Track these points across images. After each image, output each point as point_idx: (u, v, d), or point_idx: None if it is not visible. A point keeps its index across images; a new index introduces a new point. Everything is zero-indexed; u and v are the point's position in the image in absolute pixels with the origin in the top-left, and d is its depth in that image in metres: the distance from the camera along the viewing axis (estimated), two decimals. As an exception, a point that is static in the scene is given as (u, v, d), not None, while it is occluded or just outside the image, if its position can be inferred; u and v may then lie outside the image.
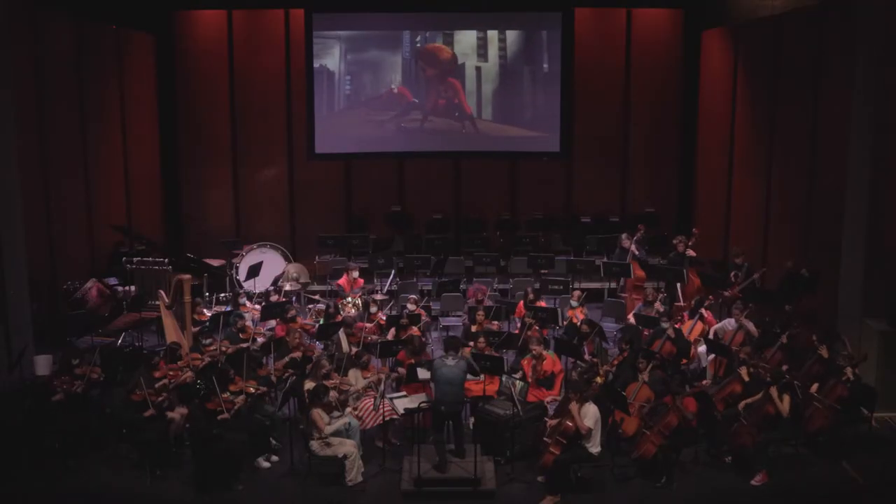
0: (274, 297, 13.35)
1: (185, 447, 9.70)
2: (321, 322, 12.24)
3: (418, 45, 17.33)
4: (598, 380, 9.91)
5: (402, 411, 9.67)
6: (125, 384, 9.94)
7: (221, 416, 9.21)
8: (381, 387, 9.86)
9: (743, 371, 9.84)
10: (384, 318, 12.36)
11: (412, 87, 17.35)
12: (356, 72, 17.37)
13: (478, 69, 17.33)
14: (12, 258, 11.45)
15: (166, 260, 13.93)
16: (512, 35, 17.29)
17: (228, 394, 9.51)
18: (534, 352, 10.38)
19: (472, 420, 10.07)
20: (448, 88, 17.35)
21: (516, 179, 17.87)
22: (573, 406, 8.81)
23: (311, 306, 13.97)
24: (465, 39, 17.29)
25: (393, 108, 17.33)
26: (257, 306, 13.27)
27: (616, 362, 10.73)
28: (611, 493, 9.08)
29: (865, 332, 11.01)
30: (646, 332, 11.54)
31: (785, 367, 9.77)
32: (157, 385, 9.64)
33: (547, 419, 9.32)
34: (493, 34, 17.25)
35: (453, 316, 13.54)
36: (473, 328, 11.47)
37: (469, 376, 9.67)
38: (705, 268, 13.86)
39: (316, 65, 17.14)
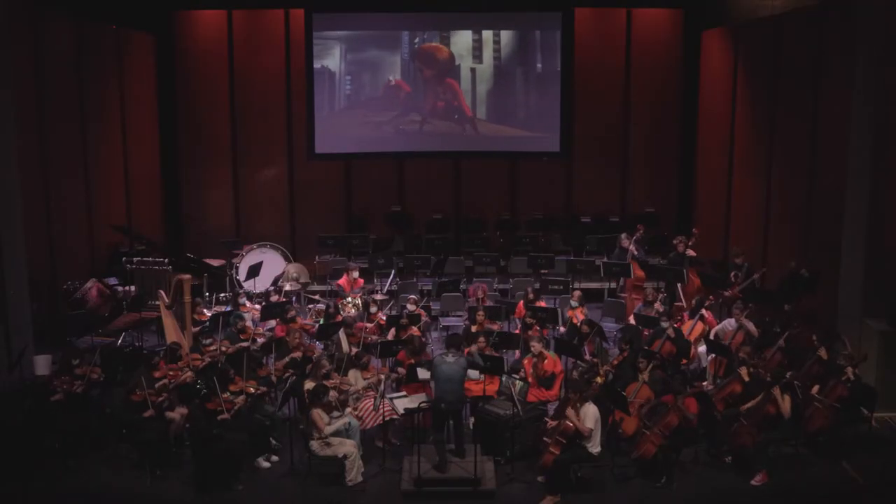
0: (274, 297, 13.34)
1: (185, 447, 9.69)
2: (321, 322, 12.24)
3: (416, 45, 17.33)
4: (598, 380, 9.91)
5: (402, 411, 9.67)
6: (125, 384, 9.95)
7: (221, 416, 9.20)
8: (381, 387, 9.86)
9: (743, 371, 9.83)
10: (384, 318, 12.36)
11: (413, 88, 17.32)
12: (356, 72, 17.37)
13: (473, 70, 17.30)
14: (12, 258, 11.45)
15: (166, 260, 13.93)
16: (511, 35, 17.30)
17: (228, 394, 9.51)
18: (534, 350, 10.38)
19: (472, 420, 10.07)
20: (447, 90, 17.35)
21: (516, 179, 17.87)
22: (573, 407, 8.81)
23: (311, 306, 13.97)
24: (462, 41, 17.28)
25: (392, 108, 17.30)
26: (257, 306, 13.27)
27: (616, 362, 10.73)
28: (611, 493, 9.08)
29: (865, 332, 11.01)
30: (646, 332, 11.54)
31: (790, 374, 9.73)
32: (157, 385, 9.64)
33: (547, 419, 9.32)
34: (490, 34, 17.24)
35: (453, 316, 13.54)
36: (474, 328, 11.47)
37: (469, 374, 9.68)
38: (705, 268, 13.86)
39: (317, 65, 17.14)
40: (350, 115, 17.41)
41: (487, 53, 17.30)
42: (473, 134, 17.46)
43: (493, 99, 17.44)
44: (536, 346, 10.37)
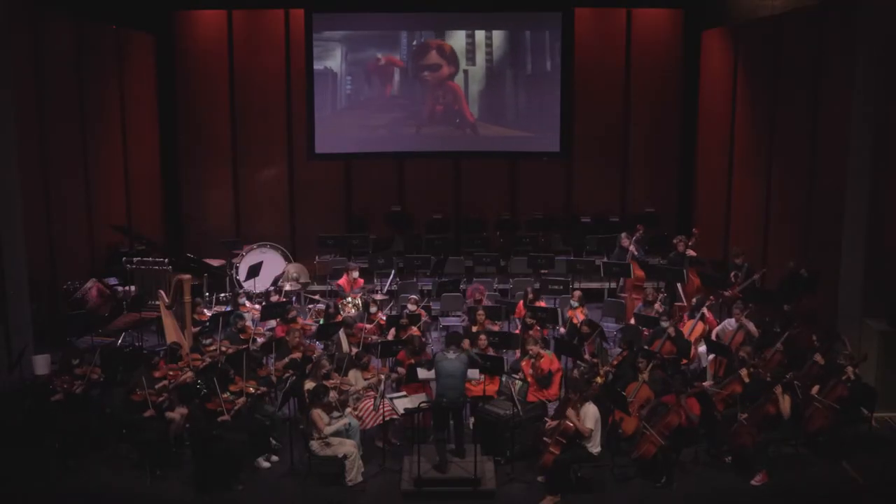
0: (274, 297, 13.35)
1: (185, 447, 9.70)
2: (321, 322, 12.24)
3: (414, 45, 17.31)
4: (598, 380, 9.91)
5: (402, 411, 9.66)
6: (125, 384, 9.95)
7: (221, 416, 9.20)
8: (381, 387, 9.87)
9: (743, 372, 9.84)
10: (384, 318, 12.36)
11: (411, 89, 17.33)
12: (356, 72, 17.36)
13: (467, 72, 17.27)
14: (12, 258, 11.46)
15: (166, 260, 13.93)
16: (510, 35, 17.28)
17: (228, 394, 9.51)
18: (531, 352, 10.38)
19: (472, 420, 10.07)
20: (447, 93, 17.33)
21: (516, 179, 17.87)
22: (573, 407, 8.81)
23: (311, 306, 13.97)
24: (458, 42, 17.25)
25: (392, 108, 17.27)
26: (257, 306, 13.28)
27: (616, 362, 10.73)
28: (611, 493, 9.08)
29: (865, 332, 11.01)
30: (646, 332, 11.54)
31: (790, 374, 9.73)
32: (157, 385, 9.64)
33: (547, 419, 9.32)
34: (487, 35, 17.21)
35: (453, 316, 13.53)
36: (474, 328, 11.47)
37: (470, 375, 9.68)
38: (705, 268, 13.85)
39: (318, 66, 17.11)
40: (350, 115, 17.39)
41: (487, 53, 17.29)
42: (473, 135, 17.45)
43: (491, 100, 17.41)
44: (534, 349, 10.36)
